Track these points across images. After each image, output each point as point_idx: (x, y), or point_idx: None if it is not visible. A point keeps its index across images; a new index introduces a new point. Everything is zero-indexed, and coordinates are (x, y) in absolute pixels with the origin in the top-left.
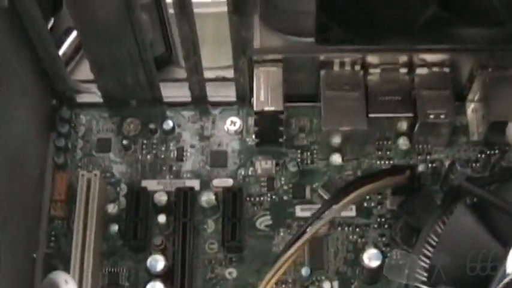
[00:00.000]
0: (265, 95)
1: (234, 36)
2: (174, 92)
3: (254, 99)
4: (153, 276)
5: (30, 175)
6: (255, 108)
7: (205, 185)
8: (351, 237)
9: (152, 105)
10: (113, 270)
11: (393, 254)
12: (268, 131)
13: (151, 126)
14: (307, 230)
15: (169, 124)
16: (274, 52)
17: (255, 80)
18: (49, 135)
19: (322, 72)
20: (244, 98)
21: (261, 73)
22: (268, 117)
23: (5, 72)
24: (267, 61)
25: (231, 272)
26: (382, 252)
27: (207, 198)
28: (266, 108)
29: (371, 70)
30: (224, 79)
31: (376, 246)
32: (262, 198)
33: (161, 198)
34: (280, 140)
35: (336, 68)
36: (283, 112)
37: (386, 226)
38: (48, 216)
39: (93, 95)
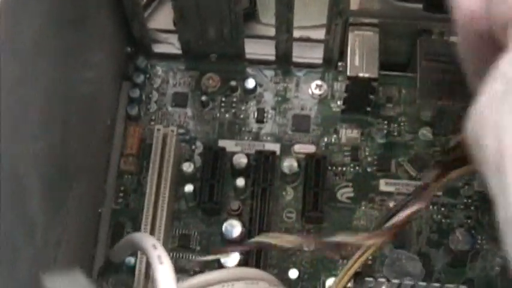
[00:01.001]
0: (360, 60)
1: None
2: (257, 49)
3: (348, 64)
4: (227, 241)
5: (101, 125)
6: (348, 73)
7: (286, 150)
8: (435, 216)
9: (233, 62)
10: (184, 232)
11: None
12: (358, 98)
13: (232, 83)
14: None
15: (251, 83)
16: (372, 16)
17: (349, 43)
18: (121, 84)
19: (420, 41)
20: (331, 62)
21: (356, 37)
22: (360, 84)
23: (83, 12)
24: (363, 24)
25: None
26: (471, 235)
27: (289, 163)
28: (360, 74)
29: None
30: (313, 40)
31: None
32: (344, 169)
33: (241, 160)
34: (368, 108)
35: (435, 37)
36: (377, 80)
37: (473, 208)
38: (117, 171)
39: (170, 46)
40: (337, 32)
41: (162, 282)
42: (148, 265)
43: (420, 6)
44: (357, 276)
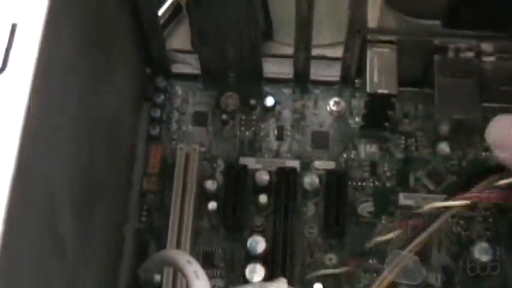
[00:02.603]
0: (379, 77)
1: (351, 13)
2: (274, 68)
3: (367, 81)
4: (251, 257)
5: (123, 146)
6: (368, 90)
7: (306, 167)
8: (454, 229)
9: (252, 80)
10: (207, 249)
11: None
12: (376, 114)
13: (252, 102)
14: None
15: (270, 101)
16: (390, 33)
17: (368, 60)
18: (141, 105)
19: (436, 58)
20: (348, 79)
21: (374, 54)
22: (380, 100)
23: (106, 34)
24: (381, 42)
25: (331, 258)
26: (491, 246)
27: (310, 180)
28: (380, 91)
29: (485, 58)
30: (331, 58)
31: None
32: (364, 184)
33: (263, 177)
34: (386, 124)
35: (451, 53)
36: (396, 96)
37: (491, 220)
38: (140, 190)
39: (188, 66)
40: (355, 49)
41: None
42: (175, 283)
43: (437, 22)
44: None
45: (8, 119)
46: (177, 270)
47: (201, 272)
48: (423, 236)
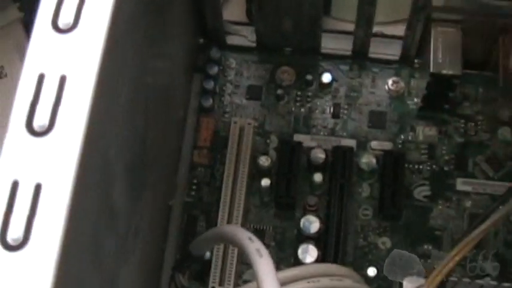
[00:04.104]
0: (443, 57)
1: None
2: (331, 43)
3: (431, 61)
4: (304, 237)
5: (174, 117)
6: (431, 70)
7: (362, 146)
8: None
9: (308, 55)
10: (258, 227)
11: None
12: (437, 96)
13: (308, 77)
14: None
15: (327, 77)
16: (456, 12)
17: (432, 40)
18: (193, 76)
19: (501, 39)
20: (407, 58)
21: (439, 33)
22: (442, 81)
23: (161, 1)
24: (446, 21)
25: (384, 242)
26: None
27: (367, 160)
28: (444, 71)
29: None
30: (392, 36)
31: None
32: (421, 167)
33: (319, 155)
34: (446, 106)
35: None
36: (460, 77)
37: None
38: (190, 163)
39: (243, 38)
40: (418, 28)
41: (263, 274)
42: (225, 261)
43: (504, 3)
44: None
45: (79, 79)
46: (237, 247)
47: (264, 250)
48: (486, 224)
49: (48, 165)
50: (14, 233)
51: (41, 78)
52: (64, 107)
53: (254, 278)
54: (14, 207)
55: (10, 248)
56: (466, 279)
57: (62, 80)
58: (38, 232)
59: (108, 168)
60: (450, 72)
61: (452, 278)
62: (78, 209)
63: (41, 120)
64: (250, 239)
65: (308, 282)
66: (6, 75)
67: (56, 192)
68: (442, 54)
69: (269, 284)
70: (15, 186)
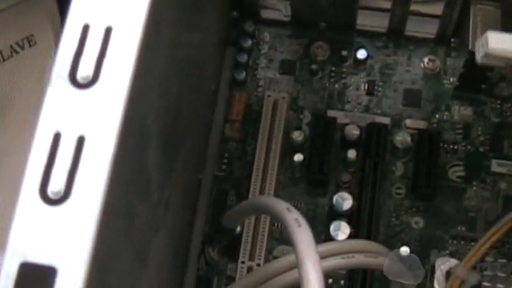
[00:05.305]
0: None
1: None
2: (366, 20)
3: (470, 38)
4: (336, 214)
5: (206, 89)
6: (470, 48)
7: (396, 124)
8: None
9: (343, 31)
10: (289, 203)
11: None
12: (474, 75)
13: (343, 53)
14: None
15: (363, 53)
16: None
17: (471, 18)
18: (225, 49)
19: None
20: (444, 37)
21: (478, 11)
22: None
23: None
24: None
25: (417, 222)
26: None
27: (402, 138)
28: None
29: None
30: (429, 14)
31: None
32: (456, 147)
33: (353, 131)
34: (482, 86)
35: None
36: None
37: None
38: (221, 137)
39: (277, 12)
40: (456, 5)
41: (302, 244)
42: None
43: None
44: None
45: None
46: (274, 218)
47: (303, 220)
48: None
49: (91, 117)
50: (55, 186)
51: (85, 29)
52: (109, 59)
53: (292, 249)
54: (55, 160)
55: (50, 201)
56: (503, 260)
57: (107, 31)
58: (80, 187)
59: (144, 134)
60: None
61: (488, 259)
62: (118, 167)
63: (84, 71)
64: (288, 209)
65: (342, 258)
66: (35, 43)
67: (99, 146)
68: (481, 32)
69: (308, 253)
70: (57, 138)
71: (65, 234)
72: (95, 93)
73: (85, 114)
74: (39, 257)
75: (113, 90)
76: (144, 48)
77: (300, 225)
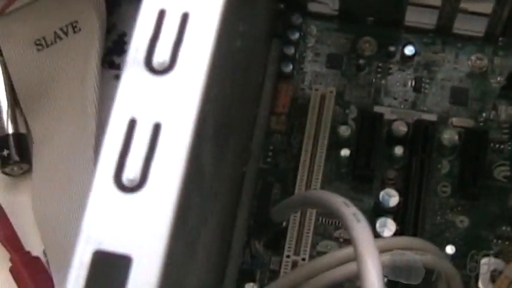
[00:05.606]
0: None
1: None
2: (414, 16)
3: None
4: (381, 211)
5: (253, 81)
6: None
7: (443, 122)
8: None
9: (390, 27)
10: None
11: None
12: None
13: (391, 48)
14: None
15: (410, 50)
16: None
17: None
18: (271, 42)
19: None
20: (492, 35)
21: None
22: None
23: None
24: None
25: (462, 221)
26: None
27: (449, 136)
28: None
29: None
30: (476, 13)
31: None
32: (502, 146)
33: (401, 128)
34: None
35: None
36: None
37: None
38: (266, 129)
39: (324, 6)
40: (507, 5)
41: (362, 240)
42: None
43: None
44: None
45: (202, 18)
46: (331, 212)
47: (361, 215)
48: None
49: (168, 104)
50: (130, 173)
51: (161, 14)
52: (186, 45)
53: (351, 242)
54: (130, 147)
55: (125, 189)
56: None
57: (184, 17)
58: (156, 174)
59: (203, 124)
60: None
61: None
62: (193, 155)
63: (161, 57)
64: (345, 203)
65: (392, 254)
66: (80, 30)
67: (176, 133)
68: None
69: (368, 249)
70: (132, 124)
71: (141, 223)
72: (171, 79)
73: (162, 100)
74: (114, 246)
75: (190, 78)
76: (220, 36)
77: (358, 220)
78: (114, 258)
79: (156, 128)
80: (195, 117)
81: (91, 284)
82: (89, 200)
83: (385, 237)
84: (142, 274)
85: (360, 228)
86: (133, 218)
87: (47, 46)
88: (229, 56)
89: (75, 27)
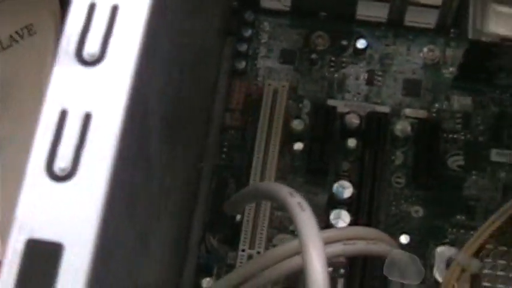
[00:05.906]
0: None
1: None
2: (366, 10)
3: (469, 27)
4: (336, 203)
5: (206, 78)
6: (470, 36)
7: (396, 114)
8: None
9: (342, 21)
10: None
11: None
12: (474, 65)
13: (343, 42)
14: None
15: (362, 43)
16: None
17: (471, 7)
18: (225, 39)
19: None
20: (443, 27)
21: (477, 1)
22: (481, 49)
23: None
24: None
25: (417, 211)
26: None
27: (402, 127)
28: (483, 39)
29: None
30: (427, 5)
31: None
32: (455, 136)
33: (353, 120)
34: (482, 76)
35: None
36: (499, 45)
37: None
38: (221, 125)
39: (278, 2)
40: None
41: (306, 228)
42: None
43: None
44: None
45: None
46: (277, 203)
47: (306, 204)
48: None
49: (98, 94)
50: (62, 162)
51: (92, 7)
52: (115, 37)
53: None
54: (62, 137)
55: (57, 178)
56: (503, 248)
57: (114, 9)
58: (87, 163)
59: (147, 117)
60: (489, 40)
61: (488, 246)
62: (124, 145)
63: (91, 49)
64: (290, 194)
65: (344, 244)
66: (35, 33)
67: (106, 122)
68: (481, 22)
69: (312, 237)
70: (63, 114)
71: (72, 211)
72: (101, 70)
73: (92, 91)
74: (46, 234)
75: (119, 68)
76: (149, 29)
77: (303, 210)
78: (46, 245)
79: (87, 118)
80: (125, 106)
81: (24, 270)
82: (22, 189)
83: (338, 227)
84: (74, 261)
85: (304, 217)
86: (65, 206)
87: (3, 49)
88: (173, 51)
89: (31, 30)
